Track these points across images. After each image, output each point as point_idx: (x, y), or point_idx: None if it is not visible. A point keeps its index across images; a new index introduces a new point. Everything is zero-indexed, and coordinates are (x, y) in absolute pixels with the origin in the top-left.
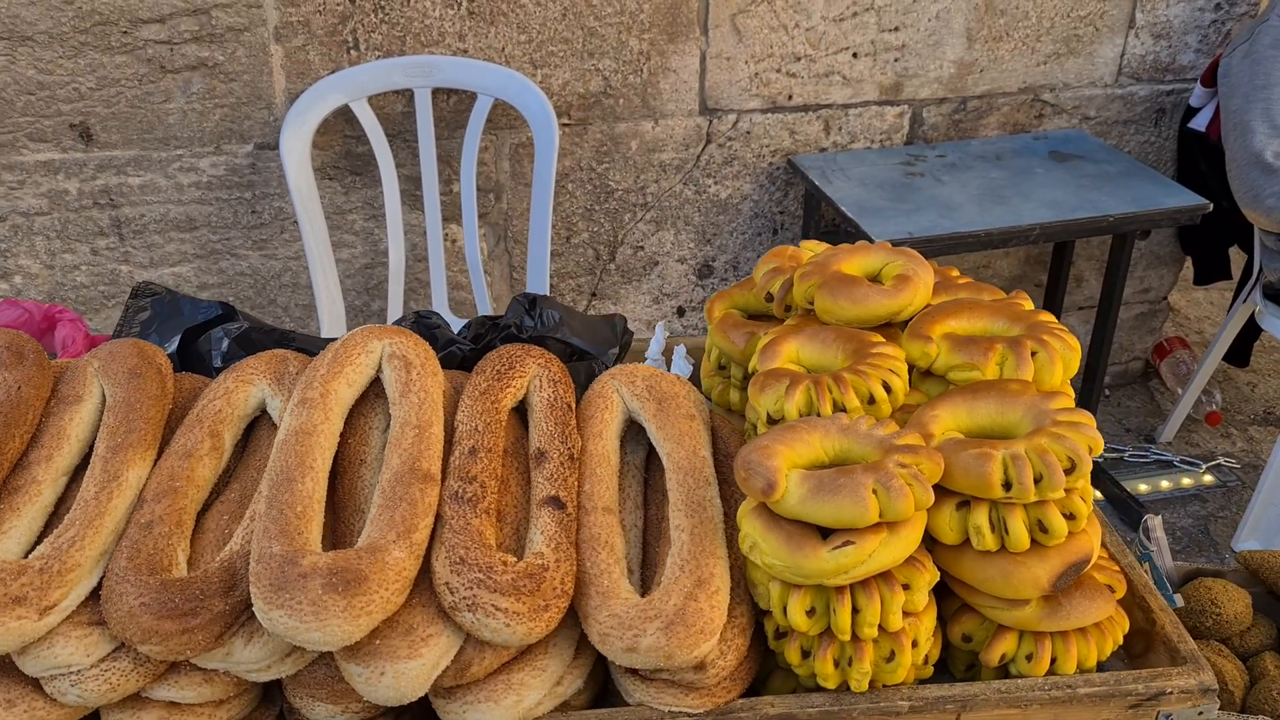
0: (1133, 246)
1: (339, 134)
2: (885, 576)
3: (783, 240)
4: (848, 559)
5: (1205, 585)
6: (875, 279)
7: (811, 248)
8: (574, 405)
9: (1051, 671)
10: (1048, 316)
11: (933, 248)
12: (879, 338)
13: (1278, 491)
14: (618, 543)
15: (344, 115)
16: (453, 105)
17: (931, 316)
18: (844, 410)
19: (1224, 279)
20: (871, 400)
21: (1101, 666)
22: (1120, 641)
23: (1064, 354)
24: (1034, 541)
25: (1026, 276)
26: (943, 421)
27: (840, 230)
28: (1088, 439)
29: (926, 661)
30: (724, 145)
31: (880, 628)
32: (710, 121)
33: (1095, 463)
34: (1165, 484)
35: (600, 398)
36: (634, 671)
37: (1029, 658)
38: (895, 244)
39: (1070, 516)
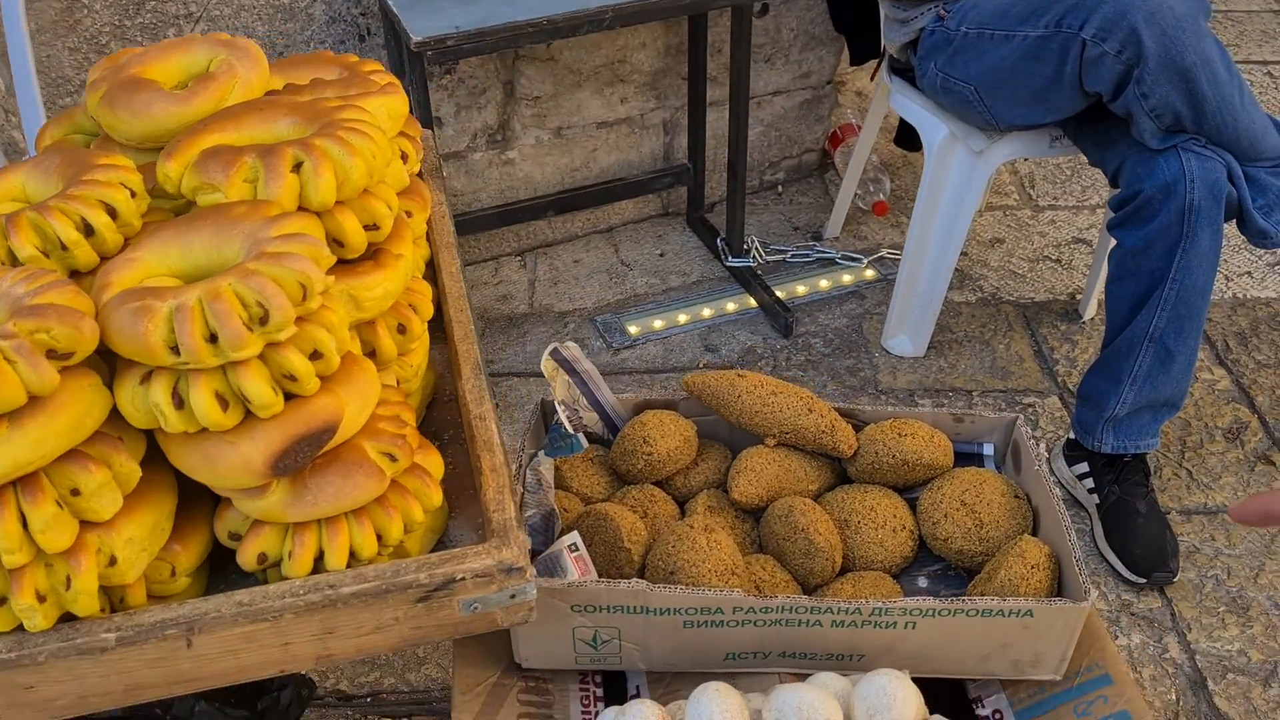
0: (750, 25)
1: None
2: (29, 482)
3: (371, 50)
4: None
5: (641, 422)
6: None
7: None
8: None
9: (320, 570)
10: (356, 113)
11: (487, 42)
12: (110, 160)
13: (917, 278)
14: None
15: None
16: None
17: (203, 127)
18: (16, 262)
19: (876, 58)
20: (64, 247)
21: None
22: (420, 519)
23: (341, 161)
24: (248, 414)
25: (670, 70)
26: (144, 265)
27: None
28: (297, 274)
29: (175, 574)
30: None
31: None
32: None
33: (744, 268)
34: (825, 283)
35: None
36: None
37: (290, 556)
38: (438, 40)
39: (290, 378)
